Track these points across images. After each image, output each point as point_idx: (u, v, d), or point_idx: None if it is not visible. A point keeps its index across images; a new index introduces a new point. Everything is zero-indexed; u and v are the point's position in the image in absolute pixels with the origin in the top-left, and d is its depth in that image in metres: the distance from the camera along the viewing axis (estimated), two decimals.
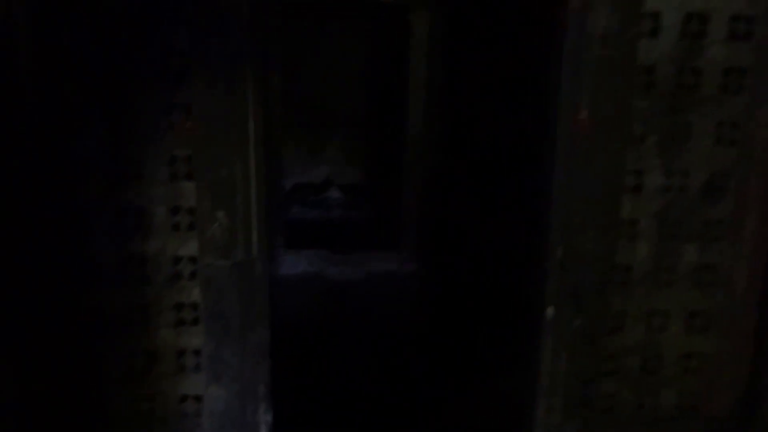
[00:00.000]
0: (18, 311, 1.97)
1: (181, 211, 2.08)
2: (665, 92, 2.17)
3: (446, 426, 3.21)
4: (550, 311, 2.29)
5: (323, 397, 3.38)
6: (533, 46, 2.74)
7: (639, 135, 2.20)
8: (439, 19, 4.80)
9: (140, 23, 1.95)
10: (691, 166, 2.24)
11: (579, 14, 2.08)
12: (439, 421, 3.24)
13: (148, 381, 2.14)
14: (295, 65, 6.78)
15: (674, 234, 2.28)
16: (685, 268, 2.31)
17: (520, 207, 3.17)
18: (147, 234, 2.06)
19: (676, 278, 2.32)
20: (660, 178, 2.24)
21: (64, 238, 2.02)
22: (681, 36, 2.13)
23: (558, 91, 2.18)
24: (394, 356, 3.86)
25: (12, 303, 1.95)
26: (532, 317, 2.40)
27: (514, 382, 2.61)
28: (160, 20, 1.95)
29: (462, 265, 4.38)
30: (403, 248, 5.28)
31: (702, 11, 2.12)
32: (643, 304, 2.34)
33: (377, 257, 5.25)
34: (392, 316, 4.39)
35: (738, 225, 2.29)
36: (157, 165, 2.04)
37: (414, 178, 5.15)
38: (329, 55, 7.12)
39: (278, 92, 4.94)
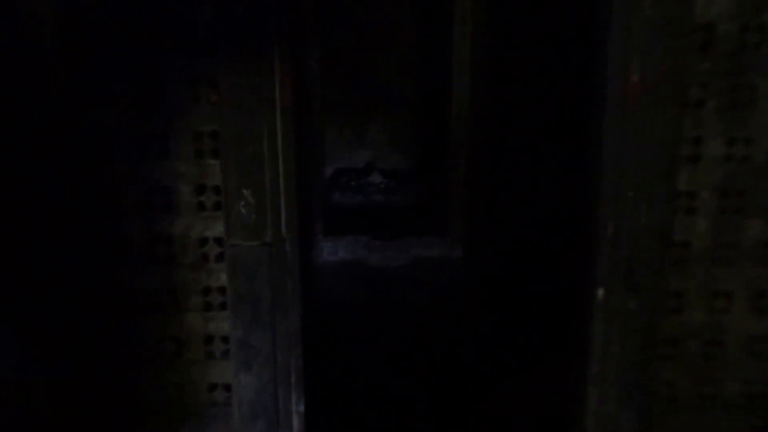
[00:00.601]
0: (47, 289, 1.99)
1: (207, 190, 2.05)
2: (726, 52, 2.03)
3: (493, 416, 3.15)
4: (600, 293, 2.20)
5: (362, 386, 3.33)
6: (580, 7, 2.65)
7: (697, 100, 2.07)
8: None
9: None
10: (755, 134, 2.09)
11: None
12: (486, 411, 3.17)
13: (177, 368, 2.10)
14: (335, 45, 6.77)
15: (737, 207, 2.14)
16: (749, 245, 2.17)
17: (571, 183, 3.08)
18: (173, 214, 2.03)
19: (739, 255, 2.18)
20: (721, 147, 2.11)
21: (92, 215, 2.01)
22: None
23: (606, 54, 2.10)
24: (439, 344, 3.80)
25: (40, 280, 1.97)
26: (582, 300, 2.32)
27: (565, 369, 2.55)
28: None
29: (511, 249, 4.30)
30: (449, 234, 5.22)
31: None
32: (702, 283, 2.20)
33: (422, 243, 5.20)
34: (438, 303, 4.32)
35: None
36: (183, 141, 2.00)
37: (460, 161, 5.07)
38: (372, 33, 7.10)
39: (317, 72, 4.92)
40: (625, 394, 2.25)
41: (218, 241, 2.08)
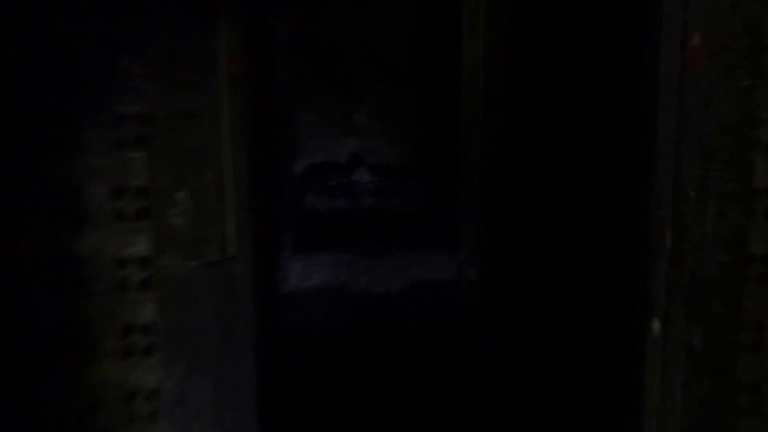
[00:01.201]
0: None
1: (129, 193, 1.99)
2: None
3: None
4: (656, 325, 2.19)
5: None
6: None
7: None
8: None
9: None
10: None
11: None
12: None
13: None
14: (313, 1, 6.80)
15: None
16: None
17: (618, 181, 3.08)
18: (81, 224, 1.95)
19: None
20: None
21: None
22: None
23: (660, 11, 2.10)
24: (447, 401, 3.78)
25: None
26: (633, 334, 2.32)
27: (617, 423, 2.55)
28: None
29: (542, 267, 4.30)
30: (461, 249, 5.22)
31: None
32: None
33: (425, 261, 5.19)
34: (445, 343, 4.32)
35: None
36: (97, 127, 1.94)
37: (474, 152, 5.07)
38: None
39: (285, 37, 4.92)
40: None
41: (143, 261, 2.03)
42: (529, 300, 4.43)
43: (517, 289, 4.60)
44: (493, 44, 4.88)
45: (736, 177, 2.10)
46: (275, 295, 4.40)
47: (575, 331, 3.73)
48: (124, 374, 2.08)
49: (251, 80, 2.07)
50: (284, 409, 3.34)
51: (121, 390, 2.09)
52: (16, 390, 2.05)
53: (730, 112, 2.06)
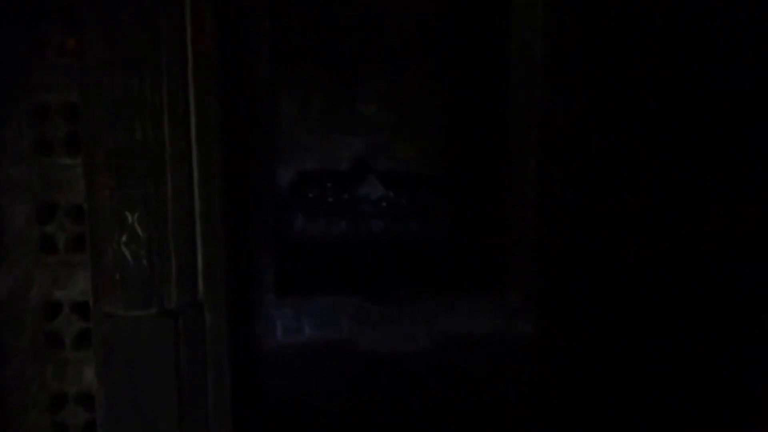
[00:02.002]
0: None
1: (59, 213, 2.05)
2: None
3: None
4: None
5: None
6: None
7: None
8: None
9: None
10: None
11: None
12: None
13: None
14: None
15: None
16: None
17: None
18: None
19: None
20: None
21: None
22: None
23: None
24: None
25: None
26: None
27: None
28: None
29: (625, 319, 4.33)
30: (508, 290, 5.24)
31: None
32: None
33: (457, 309, 5.21)
34: (489, 423, 4.35)
35: None
36: (11, 123, 2.02)
37: (530, 159, 5.11)
38: None
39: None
40: None
41: (80, 308, 2.10)
42: (603, 363, 4.48)
43: (587, 348, 4.65)
44: (554, 23, 4.94)
45: None
46: (254, 354, 4.46)
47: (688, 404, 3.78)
48: None
49: (222, 58, 2.11)
50: None
51: None
52: None
53: None
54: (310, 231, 6.50)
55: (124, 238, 2.04)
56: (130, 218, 2.04)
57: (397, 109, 7.42)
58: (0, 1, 2.04)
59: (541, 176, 5.00)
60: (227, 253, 2.18)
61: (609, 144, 4.46)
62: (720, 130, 3.65)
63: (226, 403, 2.16)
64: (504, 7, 5.11)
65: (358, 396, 4.54)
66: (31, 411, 2.11)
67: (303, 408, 4.32)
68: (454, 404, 4.53)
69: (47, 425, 2.12)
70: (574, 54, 4.76)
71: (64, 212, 2.08)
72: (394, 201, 6.93)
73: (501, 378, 4.78)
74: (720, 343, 3.64)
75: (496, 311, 5.16)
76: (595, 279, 4.53)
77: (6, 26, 2.02)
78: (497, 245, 5.40)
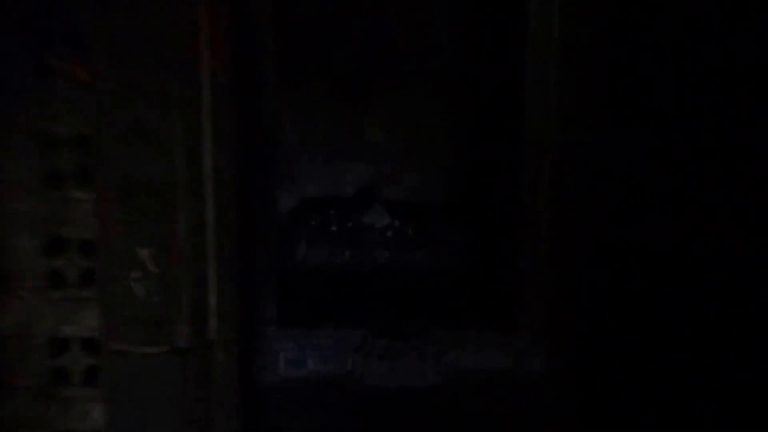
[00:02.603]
0: None
1: (69, 248, 2.06)
2: None
3: None
4: None
5: None
6: None
7: None
8: None
9: None
10: None
11: None
12: None
13: None
14: None
15: None
16: None
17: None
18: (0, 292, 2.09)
19: None
20: None
21: None
22: None
23: None
24: None
25: None
26: None
27: None
28: None
29: (641, 357, 4.35)
30: (522, 325, 5.26)
31: None
32: None
33: (468, 345, 5.23)
34: None
35: None
36: (18, 155, 2.03)
37: (544, 188, 5.13)
38: None
39: (268, 14, 4.99)
40: None
41: (88, 344, 2.12)
42: (620, 402, 4.50)
43: (604, 387, 4.67)
44: (575, 19, 4.94)
45: None
46: (256, 388, 4.48)
47: None
48: None
49: (236, 85, 2.14)
50: None
51: None
52: None
53: None
54: (312, 260, 6.51)
55: (134, 275, 2.06)
56: (141, 254, 2.06)
57: (404, 135, 7.45)
58: (9, 29, 2.06)
59: (556, 209, 5.03)
60: (238, 291, 2.20)
61: (628, 178, 4.49)
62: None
63: None
64: (519, 36, 5.13)
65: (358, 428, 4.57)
66: None
67: None
68: None
69: None
70: (589, 83, 4.79)
71: (73, 247, 2.08)
72: (400, 230, 6.94)
73: (511, 416, 4.81)
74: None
75: (507, 348, 5.18)
76: (614, 315, 4.55)
77: (14, 55, 2.05)
78: (508, 280, 5.43)
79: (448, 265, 6.61)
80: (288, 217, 6.63)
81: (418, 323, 5.29)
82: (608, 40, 4.60)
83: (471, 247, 6.49)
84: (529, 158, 5.15)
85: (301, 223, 6.78)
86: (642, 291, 4.39)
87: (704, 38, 4.01)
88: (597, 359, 4.71)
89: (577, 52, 4.84)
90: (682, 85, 4.19)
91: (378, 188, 7.09)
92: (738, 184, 3.76)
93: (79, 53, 2.03)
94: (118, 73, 2.05)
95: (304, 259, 6.56)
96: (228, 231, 2.11)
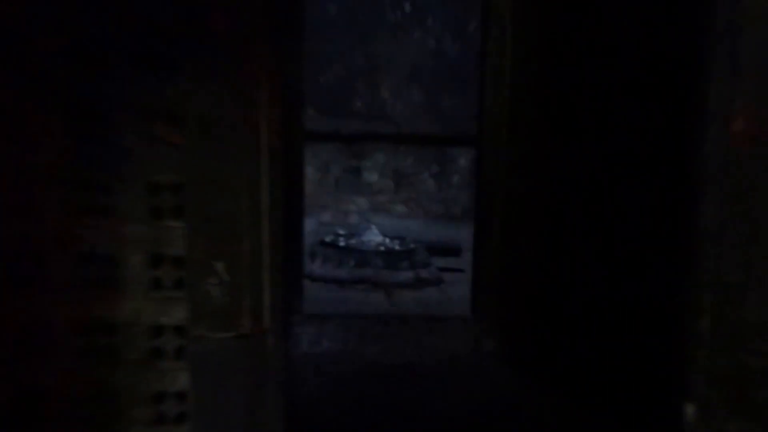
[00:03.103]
0: None
1: (165, 262, 2.14)
2: None
3: None
4: (690, 410, 2.29)
5: None
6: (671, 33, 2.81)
7: None
8: None
9: None
10: None
11: None
12: None
13: None
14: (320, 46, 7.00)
15: None
16: None
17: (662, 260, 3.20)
18: (117, 292, 2.12)
19: None
20: None
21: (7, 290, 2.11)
22: None
23: (705, 94, 2.24)
24: None
25: None
26: (669, 417, 2.42)
27: None
28: None
29: (567, 347, 4.40)
30: (479, 320, 5.34)
31: None
32: None
33: (440, 331, 5.30)
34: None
35: None
36: (133, 195, 2.11)
37: (496, 222, 5.19)
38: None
39: (298, 82, 5.05)
40: None
41: (178, 330, 2.18)
42: (548, 375, 4.53)
43: (538, 366, 4.69)
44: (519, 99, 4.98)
45: None
46: (287, 359, 4.53)
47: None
48: None
49: (285, 148, 2.20)
50: None
51: None
52: None
53: None
54: (326, 269, 6.60)
55: (212, 281, 2.13)
56: (217, 267, 2.13)
57: (393, 177, 7.56)
58: (125, 106, 2.10)
59: (503, 238, 5.09)
60: (283, 295, 2.25)
61: (552, 209, 4.52)
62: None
63: (281, 403, 2.23)
64: (479, 114, 5.20)
65: (361, 391, 4.60)
66: (142, 405, 2.18)
67: (320, 396, 4.39)
68: (430, 397, 4.55)
69: (150, 414, 2.18)
70: (525, 149, 4.83)
71: (169, 261, 2.14)
72: (390, 246, 7.05)
73: (468, 380, 4.84)
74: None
75: (465, 330, 5.24)
76: (543, 312, 4.60)
77: (128, 125, 2.09)
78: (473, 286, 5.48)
79: (424, 275, 6.67)
80: (309, 237, 6.67)
81: (403, 317, 5.33)
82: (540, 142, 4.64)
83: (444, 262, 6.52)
84: (483, 197, 5.19)
85: (318, 242, 6.82)
86: (565, 291, 4.42)
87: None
88: (529, 342, 4.75)
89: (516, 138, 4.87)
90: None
91: (373, 215, 7.14)
92: (635, 199, 3.77)
93: (176, 123, 2.08)
94: (203, 142, 2.10)
95: (321, 267, 6.62)
96: (278, 251, 2.17)
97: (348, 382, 4.64)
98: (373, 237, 7.09)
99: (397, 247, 7.00)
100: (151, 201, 2.14)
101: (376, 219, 7.59)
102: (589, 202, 4.30)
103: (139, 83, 2.10)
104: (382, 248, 6.97)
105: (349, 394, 4.52)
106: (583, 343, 4.29)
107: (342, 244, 6.90)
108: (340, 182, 7.60)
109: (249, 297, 2.16)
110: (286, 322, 4.60)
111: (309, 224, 7.17)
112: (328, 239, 6.97)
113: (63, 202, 2.11)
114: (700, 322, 2.27)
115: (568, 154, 4.48)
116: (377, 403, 4.36)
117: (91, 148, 2.08)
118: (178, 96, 2.10)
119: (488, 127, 5.17)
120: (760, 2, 2.12)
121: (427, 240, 7.41)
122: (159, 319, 2.17)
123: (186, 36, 2.09)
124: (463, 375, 4.79)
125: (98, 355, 2.16)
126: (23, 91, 2.05)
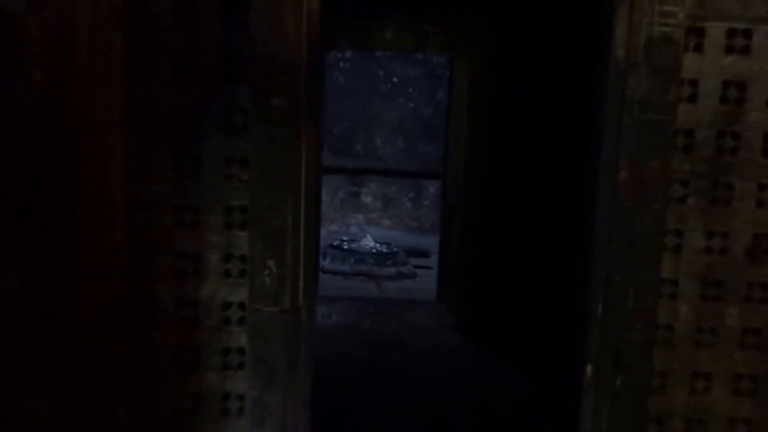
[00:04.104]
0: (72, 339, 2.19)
1: (234, 259, 2.28)
2: (705, 155, 2.33)
3: None
4: (589, 369, 2.44)
5: None
6: (574, 106, 2.98)
7: (679, 196, 2.36)
8: (482, 70, 5.02)
9: (206, 80, 2.23)
10: (732, 229, 2.37)
11: (619, 78, 2.31)
12: None
13: (194, 424, 2.31)
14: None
15: (716, 295, 2.40)
16: (728, 331, 2.42)
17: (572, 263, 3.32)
18: (201, 279, 2.26)
19: (718, 340, 2.42)
20: (701, 240, 2.38)
21: (127, 277, 2.27)
22: (720, 101, 2.32)
23: (600, 152, 2.40)
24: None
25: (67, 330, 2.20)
26: (575, 375, 2.55)
27: None
28: (224, 78, 2.23)
29: (505, 320, 4.54)
30: (442, 301, 5.48)
31: (740, 79, 2.31)
32: (685, 365, 2.43)
33: (415, 311, 5.42)
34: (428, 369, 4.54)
35: None
36: (214, 213, 2.26)
37: (455, 231, 5.31)
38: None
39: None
40: None
41: (241, 305, 2.30)
42: (488, 338, 4.65)
43: (483, 334, 4.79)
44: (472, 150, 5.10)
45: (649, 269, 2.39)
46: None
47: (531, 366, 3.99)
48: (222, 382, 2.33)
49: (318, 183, 2.34)
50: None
51: (218, 393, 2.33)
52: (149, 385, 2.29)
53: (646, 224, 2.37)
54: (332, 266, 6.71)
55: (266, 272, 2.27)
56: (269, 263, 2.27)
57: (383, 199, 7.69)
58: (209, 155, 2.22)
59: (460, 242, 5.20)
60: (312, 282, 2.37)
61: (502, 226, 4.63)
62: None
63: (310, 359, 2.37)
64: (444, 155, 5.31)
65: (361, 348, 4.70)
66: (214, 356, 2.32)
67: (335, 350, 4.50)
68: (405, 357, 4.63)
69: (221, 363, 2.31)
70: (482, 177, 4.92)
71: (236, 258, 2.27)
72: (379, 249, 7.15)
73: (433, 342, 4.95)
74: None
75: (433, 313, 5.35)
76: (488, 298, 4.72)
77: (214, 167, 2.22)
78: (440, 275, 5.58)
79: (405, 271, 6.74)
80: (322, 241, 6.75)
81: (389, 300, 5.43)
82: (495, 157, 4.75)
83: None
84: (445, 215, 5.30)
85: (328, 245, 6.89)
86: (505, 291, 4.51)
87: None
88: (478, 319, 4.82)
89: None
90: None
91: (368, 227, 7.23)
92: (552, 220, 3.90)
93: (245, 166, 2.20)
94: (264, 180, 2.25)
95: (330, 263, 6.69)
96: (310, 253, 2.31)
97: (350, 346, 4.77)
98: (368, 242, 7.22)
99: (384, 250, 7.13)
100: (226, 218, 2.28)
101: (370, 230, 7.71)
102: (520, 220, 4.47)
103: (222, 140, 2.25)
104: (374, 250, 7.08)
105: (351, 353, 4.65)
106: (515, 321, 4.44)
107: (345, 247, 7.03)
108: (344, 203, 7.73)
109: (290, 284, 2.29)
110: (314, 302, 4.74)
111: (322, 233, 7.32)
112: (335, 243, 7.10)
113: (169, 219, 2.26)
114: (595, 308, 2.42)
115: (504, 186, 4.66)
116: (367, 360, 4.50)
117: (189, 183, 2.24)
118: (248, 148, 2.26)
119: (450, 167, 5.32)
120: (636, 93, 2.29)
121: (406, 245, 7.54)
122: (228, 298, 2.31)
123: (255, 109, 2.24)
124: (430, 341, 4.93)
125: (187, 322, 2.31)
126: (151, 145, 2.21)
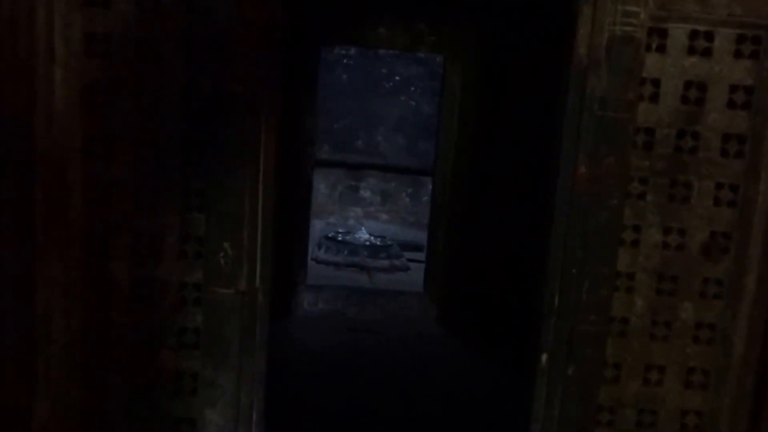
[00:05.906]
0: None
1: (191, 240, 2.22)
2: (664, 154, 2.26)
3: None
4: (544, 358, 2.37)
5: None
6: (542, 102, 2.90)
7: (637, 193, 2.29)
8: (474, 71, 4.92)
9: (167, 64, 2.15)
10: (689, 226, 2.30)
11: (580, 76, 2.23)
12: None
13: (148, 401, 2.25)
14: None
15: (671, 290, 2.34)
16: (682, 325, 2.36)
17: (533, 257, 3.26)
18: (158, 259, 2.20)
19: (672, 334, 2.36)
20: (657, 235, 2.31)
21: (84, 258, 2.20)
22: (681, 101, 2.24)
23: (560, 148, 2.32)
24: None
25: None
26: (530, 364, 2.48)
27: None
28: (185, 62, 2.15)
29: (480, 314, 4.49)
30: (427, 294, 5.41)
31: (701, 80, 2.23)
32: (638, 356, 2.37)
33: (401, 302, 5.35)
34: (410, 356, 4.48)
35: (738, 285, 2.33)
36: (173, 196, 2.20)
37: (442, 229, 5.24)
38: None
39: (310, 128, 5.07)
40: None
41: (196, 286, 2.24)
42: (468, 329, 4.60)
43: (464, 326, 4.74)
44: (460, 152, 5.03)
45: (605, 263, 2.31)
46: (292, 316, 4.66)
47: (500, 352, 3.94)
48: (176, 361, 2.26)
49: (277, 170, 2.26)
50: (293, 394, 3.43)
51: (172, 372, 2.26)
52: (105, 365, 2.23)
53: (603, 219, 2.30)
54: (326, 256, 6.64)
55: (222, 254, 2.21)
56: (225, 245, 2.20)
57: (381, 194, 7.63)
58: (169, 137, 2.14)
59: (446, 243, 5.14)
60: (272, 267, 2.29)
61: (480, 234, 4.58)
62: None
63: (264, 340, 2.30)
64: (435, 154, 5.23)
65: (343, 335, 4.65)
66: (169, 335, 2.26)
67: (317, 342, 4.44)
68: (388, 344, 4.58)
69: (176, 342, 2.26)
70: (466, 191, 4.87)
71: (193, 240, 2.22)
72: (373, 242, 7.09)
73: (418, 330, 4.89)
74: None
75: (417, 304, 5.28)
76: (466, 294, 4.67)
77: (174, 151, 2.14)
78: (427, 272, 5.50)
79: (397, 264, 6.67)
80: (319, 233, 6.69)
81: (376, 290, 5.36)
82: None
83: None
84: (434, 211, 5.22)
85: (324, 236, 6.83)
86: (483, 289, 4.46)
87: None
88: (459, 311, 4.77)
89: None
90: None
91: (365, 220, 7.16)
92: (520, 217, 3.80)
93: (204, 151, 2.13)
94: (220, 166, 2.15)
95: (324, 254, 6.63)
96: (267, 237, 2.24)
97: (335, 331, 4.71)
98: (362, 235, 7.14)
99: (378, 243, 7.05)
100: (185, 200, 2.22)
101: (367, 223, 7.63)
102: (503, 218, 4.40)
103: (182, 124, 2.18)
104: (367, 243, 7.00)
105: (333, 339, 4.59)
106: (495, 314, 4.37)
107: (339, 238, 6.95)
108: (343, 196, 7.66)
109: (246, 267, 2.23)
110: (290, 290, 4.68)
111: (319, 225, 7.26)
112: (330, 235, 7.02)
113: (127, 200, 2.19)
114: (552, 299, 2.35)
115: (490, 185, 4.59)
116: (346, 346, 4.44)
117: (148, 165, 2.18)
118: (206, 132, 2.18)
119: (439, 165, 5.24)
120: (595, 91, 2.21)
121: (402, 239, 7.47)
122: (184, 278, 2.24)
123: (213, 95, 2.17)
124: (412, 330, 4.86)
125: (144, 301, 2.24)
126: (110, 126, 2.14)
